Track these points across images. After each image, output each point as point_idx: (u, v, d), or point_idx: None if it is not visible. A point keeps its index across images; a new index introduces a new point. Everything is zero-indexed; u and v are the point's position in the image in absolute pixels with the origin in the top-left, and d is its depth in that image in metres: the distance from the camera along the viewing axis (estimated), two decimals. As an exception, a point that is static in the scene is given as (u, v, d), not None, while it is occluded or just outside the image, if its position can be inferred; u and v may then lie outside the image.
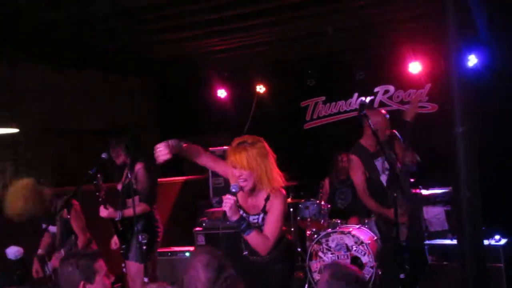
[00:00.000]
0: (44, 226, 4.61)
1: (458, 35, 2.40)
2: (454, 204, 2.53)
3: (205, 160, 3.53)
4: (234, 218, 3.14)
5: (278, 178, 3.35)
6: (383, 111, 4.92)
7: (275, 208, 3.28)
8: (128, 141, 4.68)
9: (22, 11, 5.21)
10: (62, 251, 4.29)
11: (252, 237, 3.19)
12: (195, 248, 2.43)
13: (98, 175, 4.14)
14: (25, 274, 4.26)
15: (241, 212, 3.29)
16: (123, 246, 4.38)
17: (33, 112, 7.08)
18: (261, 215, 3.33)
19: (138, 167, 4.56)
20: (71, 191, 4.36)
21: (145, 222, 4.57)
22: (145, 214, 4.54)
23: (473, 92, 2.64)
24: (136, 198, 4.53)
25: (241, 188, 3.21)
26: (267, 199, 3.31)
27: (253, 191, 3.31)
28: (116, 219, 4.24)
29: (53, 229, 4.50)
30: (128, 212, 4.41)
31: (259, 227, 3.29)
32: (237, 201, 3.20)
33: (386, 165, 4.39)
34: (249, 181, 3.23)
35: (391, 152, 4.57)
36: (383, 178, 4.45)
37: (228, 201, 3.08)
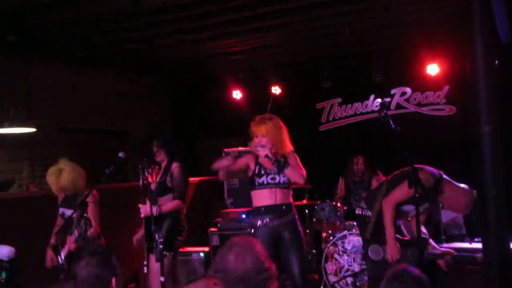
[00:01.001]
0: (61, 211, 4.68)
1: (485, 32, 2.36)
2: (480, 203, 2.48)
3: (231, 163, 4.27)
4: (274, 158, 4.17)
5: (289, 144, 4.40)
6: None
7: (294, 159, 4.32)
8: (169, 141, 4.78)
9: (37, 9, 5.24)
10: (76, 232, 4.31)
11: (290, 170, 4.20)
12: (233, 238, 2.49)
13: (144, 159, 4.27)
14: (15, 275, 4.30)
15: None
16: (147, 242, 4.39)
17: (50, 111, 7.12)
18: (278, 169, 4.24)
19: (174, 165, 4.64)
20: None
21: (173, 219, 4.59)
22: (174, 212, 4.58)
23: (498, 91, 2.59)
24: (169, 196, 4.60)
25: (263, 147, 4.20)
26: (283, 157, 4.27)
27: (278, 149, 4.27)
28: (154, 214, 4.24)
29: (68, 212, 4.53)
30: (166, 207, 4.48)
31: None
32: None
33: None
34: (267, 145, 4.22)
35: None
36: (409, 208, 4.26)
37: (262, 151, 4.15)
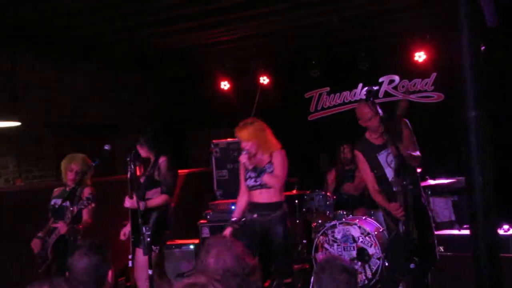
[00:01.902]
0: (54, 202, 4.64)
1: (471, 15, 2.33)
2: (467, 190, 2.47)
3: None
4: (251, 166, 4.37)
5: (275, 143, 4.53)
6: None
7: (278, 159, 4.45)
8: (153, 135, 4.72)
9: (21, 2, 5.15)
10: (69, 215, 4.26)
11: (266, 177, 4.38)
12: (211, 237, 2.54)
13: (133, 151, 4.27)
14: None
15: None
16: (134, 236, 4.35)
17: (36, 106, 7.04)
18: (268, 165, 4.44)
19: (162, 159, 4.60)
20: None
21: (160, 213, 4.57)
22: (161, 205, 4.54)
23: (485, 76, 2.57)
24: (157, 190, 4.58)
25: (248, 152, 4.38)
26: (270, 156, 4.46)
27: (263, 151, 4.46)
28: (141, 209, 4.21)
29: (65, 203, 4.48)
30: (152, 202, 4.47)
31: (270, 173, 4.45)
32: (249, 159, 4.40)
33: (391, 158, 4.24)
34: (252, 149, 4.42)
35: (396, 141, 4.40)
36: (388, 172, 4.30)
37: (243, 156, 4.36)
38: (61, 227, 4.37)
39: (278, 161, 4.46)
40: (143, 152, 4.70)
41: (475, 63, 2.35)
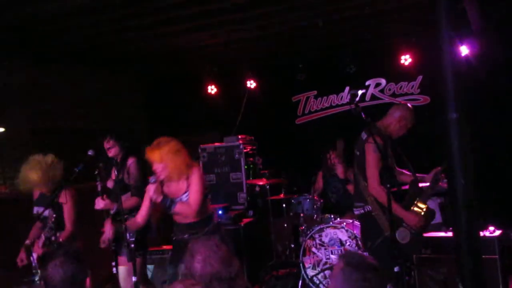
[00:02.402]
0: (36, 211, 4.54)
1: (450, 15, 2.34)
2: (449, 193, 2.47)
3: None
4: (159, 199, 3.91)
5: (189, 165, 4.07)
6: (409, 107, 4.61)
7: (194, 181, 4.01)
8: (121, 135, 4.67)
9: (4, 8, 5.10)
10: (43, 236, 4.19)
11: (178, 207, 3.96)
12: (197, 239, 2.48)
13: (100, 164, 4.21)
14: None
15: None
16: (114, 244, 4.30)
17: (19, 111, 6.95)
18: (186, 194, 4.03)
19: (130, 161, 4.55)
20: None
21: None
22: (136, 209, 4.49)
23: (466, 79, 2.58)
24: (129, 194, 4.50)
25: (158, 178, 3.96)
26: (187, 180, 4.02)
27: (174, 180, 4.02)
28: (112, 211, 4.17)
29: (45, 213, 4.42)
30: (124, 204, 4.34)
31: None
32: (161, 187, 4.01)
33: None
34: (164, 172, 3.95)
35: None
36: None
37: (150, 187, 3.89)
38: (36, 249, 4.33)
39: (194, 184, 4.01)
40: (112, 151, 4.64)
41: (455, 65, 2.36)
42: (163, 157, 3.93)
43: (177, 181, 4.03)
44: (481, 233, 4.92)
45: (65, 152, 7.20)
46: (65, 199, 4.38)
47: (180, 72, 8.84)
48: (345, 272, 2.20)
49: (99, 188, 4.29)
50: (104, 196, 4.27)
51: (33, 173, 4.42)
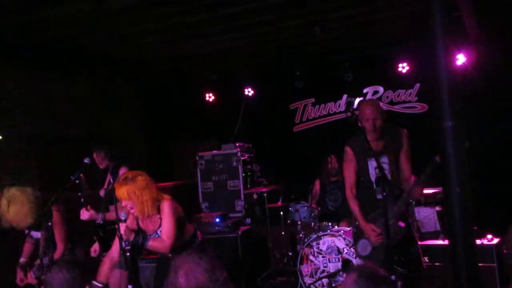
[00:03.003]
0: (26, 231, 4.49)
1: (445, 25, 2.34)
2: (445, 201, 2.46)
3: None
4: (131, 238, 3.65)
5: (160, 197, 3.88)
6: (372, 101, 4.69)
7: (165, 214, 3.86)
8: (111, 146, 4.63)
9: (1, 15, 5.10)
10: (45, 261, 4.14)
11: (151, 245, 3.78)
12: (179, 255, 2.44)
13: (81, 175, 4.11)
14: None
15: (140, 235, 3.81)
16: (104, 254, 4.27)
17: (17, 119, 6.94)
18: (159, 229, 3.89)
19: (122, 171, 4.51)
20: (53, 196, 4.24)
21: None
22: None
23: (461, 87, 2.58)
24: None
25: (128, 215, 3.80)
26: (158, 212, 3.87)
27: (148, 215, 3.84)
28: (97, 221, 4.14)
29: (36, 234, 4.38)
30: (110, 215, 4.32)
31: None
32: (136, 223, 3.90)
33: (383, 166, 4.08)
34: (135, 208, 3.77)
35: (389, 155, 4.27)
36: (374, 179, 4.12)
37: (120, 226, 3.61)
38: (30, 279, 4.29)
39: (165, 218, 3.87)
40: (101, 163, 4.63)
41: (450, 73, 2.36)
42: (130, 195, 3.75)
43: (151, 216, 3.89)
44: (479, 241, 4.92)
45: (61, 160, 7.23)
46: (54, 219, 4.24)
47: (178, 80, 8.85)
48: (358, 284, 2.18)
49: (82, 199, 4.25)
50: (88, 206, 4.24)
51: (12, 210, 4.16)
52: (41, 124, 7.27)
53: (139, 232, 3.83)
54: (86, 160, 4.23)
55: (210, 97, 8.61)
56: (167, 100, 9.00)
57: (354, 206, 4.17)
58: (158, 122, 9.17)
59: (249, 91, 8.35)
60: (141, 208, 3.78)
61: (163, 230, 3.85)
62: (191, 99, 8.76)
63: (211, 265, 2.26)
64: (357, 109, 4.22)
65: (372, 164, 4.09)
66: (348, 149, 4.26)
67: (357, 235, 4.22)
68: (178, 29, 6.20)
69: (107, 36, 6.28)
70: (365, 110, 4.10)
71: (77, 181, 4.07)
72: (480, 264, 4.08)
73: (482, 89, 6.54)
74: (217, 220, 6.47)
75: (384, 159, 4.11)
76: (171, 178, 8.02)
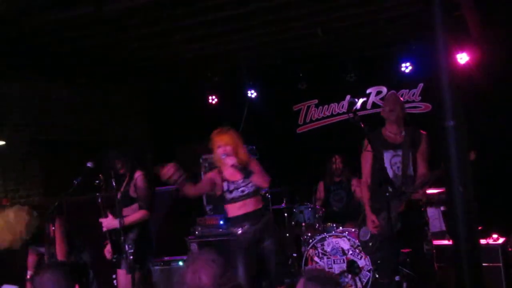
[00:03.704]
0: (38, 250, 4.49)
1: (446, 24, 2.32)
2: (447, 200, 2.44)
3: (193, 190, 4.51)
4: (239, 166, 4.19)
5: (246, 152, 4.47)
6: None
7: (257, 165, 4.41)
8: (131, 151, 4.67)
9: (3, 19, 5.11)
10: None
11: (256, 177, 4.28)
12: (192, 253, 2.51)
13: (100, 175, 4.24)
14: None
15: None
16: (115, 256, 4.27)
17: (20, 124, 6.96)
18: (241, 181, 4.37)
19: (137, 174, 4.54)
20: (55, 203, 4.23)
21: (140, 230, 4.48)
22: (140, 222, 4.47)
23: (463, 86, 2.56)
24: (133, 207, 4.48)
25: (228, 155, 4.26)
26: (246, 164, 4.32)
27: (241, 159, 4.30)
28: (117, 226, 4.13)
29: (41, 249, 4.37)
30: (129, 219, 4.35)
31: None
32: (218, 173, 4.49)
33: (396, 160, 4.25)
34: (232, 154, 4.26)
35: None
36: (389, 172, 4.19)
37: (229, 158, 4.20)
38: None
39: (258, 167, 4.39)
40: (123, 169, 4.63)
41: (452, 73, 2.34)
42: (230, 140, 4.32)
43: (241, 162, 4.29)
44: (485, 241, 4.89)
45: (65, 165, 7.24)
46: (54, 232, 4.22)
47: (181, 82, 8.84)
48: (307, 286, 2.27)
49: (99, 200, 4.25)
50: (107, 212, 4.25)
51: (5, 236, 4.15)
52: (44, 129, 7.29)
53: (243, 169, 4.25)
54: (89, 164, 4.24)
55: (213, 99, 8.60)
56: (170, 103, 9.00)
57: (365, 194, 4.43)
58: (161, 124, 9.16)
59: (252, 93, 8.33)
60: (237, 151, 4.30)
61: (259, 169, 4.32)
62: (194, 102, 8.75)
63: (221, 270, 2.27)
64: (359, 109, 4.32)
65: (387, 155, 4.32)
66: (366, 141, 4.43)
67: (363, 221, 4.46)
68: (180, 32, 6.19)
69: (108, 41, 6.29)
70: (385, 102, 4.49)
71: (96, 181, 4.11)
72: (485, 264, 4.08)
73: (487, 87, 6.50)
74: (221, 222, 6.46)
75: (399, 152, 4.30)
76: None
